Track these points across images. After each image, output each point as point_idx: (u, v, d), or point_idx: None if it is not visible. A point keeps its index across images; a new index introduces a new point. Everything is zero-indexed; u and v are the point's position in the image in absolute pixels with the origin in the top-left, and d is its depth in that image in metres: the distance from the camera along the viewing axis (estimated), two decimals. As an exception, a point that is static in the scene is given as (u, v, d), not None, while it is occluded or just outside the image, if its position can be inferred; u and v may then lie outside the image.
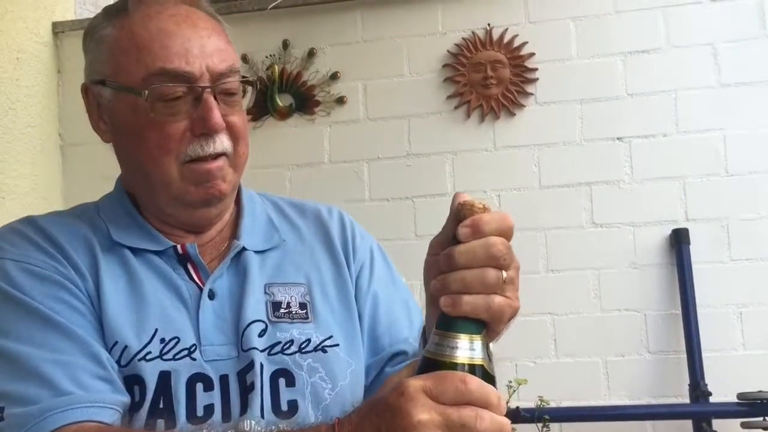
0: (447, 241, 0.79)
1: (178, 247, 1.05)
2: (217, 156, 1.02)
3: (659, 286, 2.60)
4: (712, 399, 2.41)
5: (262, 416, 0.97)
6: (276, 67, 2.84)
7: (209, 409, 0.97)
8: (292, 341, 1.03)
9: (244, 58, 2.85)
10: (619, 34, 2.68)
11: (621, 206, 2.63)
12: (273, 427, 0.86)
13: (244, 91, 1.08)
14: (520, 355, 2.62)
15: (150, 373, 0.96)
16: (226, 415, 0.97)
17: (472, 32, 2.75)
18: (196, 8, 1.06)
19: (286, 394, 1.00)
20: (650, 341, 2.59)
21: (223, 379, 0.99)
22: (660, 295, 2.60)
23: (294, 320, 1.05)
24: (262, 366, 0.99)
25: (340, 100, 2.82)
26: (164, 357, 0.97)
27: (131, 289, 1.01)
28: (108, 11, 1.07)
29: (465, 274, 0.76)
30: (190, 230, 1.09)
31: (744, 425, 2.36)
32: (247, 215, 1.13)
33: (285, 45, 2.85)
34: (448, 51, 2.77)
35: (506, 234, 0.77)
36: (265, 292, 1.06)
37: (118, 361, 0.96)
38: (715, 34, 2.62)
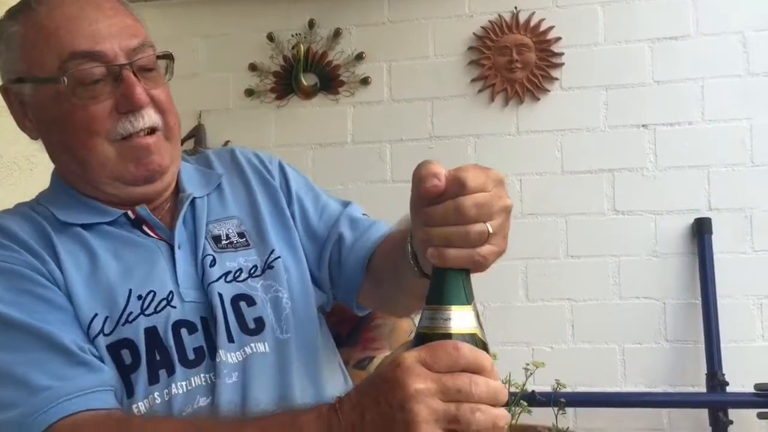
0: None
1: (129, 212, 1.07)
2: (150, 131, 1.04)
3: (679, 275, 2.59)
4: (729, 389, 2.41)
5: (231, 339, 1.02)
6: (301, 46, 2.84)
7: (199, 351, 1.01)
8: (240, 269, 1.08)
9: (270, 37, 2.86)
10: (648, 20, 2.65)
11: (643, 194, 2.62)
12: (273, 411, 0.88)
13: (167, 68, 1.09)
14: (538, 340, 2.63)
15: (137, 332, 0.98)
16: (212, 355, 1.01)
17: (499, 15, 2.74)
18: None
19: (250, 314, 1.05)
20: (668, 330, 2.58)
21: (204, 321, 1.03)
22: (680, 284, 2.59)
23: (237, 248, 1.11)
24: (221, 295, 1.04)
25: (365, 81, 2.82)
26: (146, 312, 1.00)
27: (93, 261, 1.03)
28: (11, 11, 1.07)
29: (446, 231, 0.78)
30: (139, 202, 1.09)
31: (761, 416, 2.35)
32: (183, 171, 1.16)
33: (311, 24, 2.86)
34: (473, 33, 2.76)
35: (485, 187, 0.80)
36: (206, 230, 1.11)
37: (102, 330, 0.98)
38: (744, 23, 2.58)
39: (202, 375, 1.00)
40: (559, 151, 2.68)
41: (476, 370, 0.74)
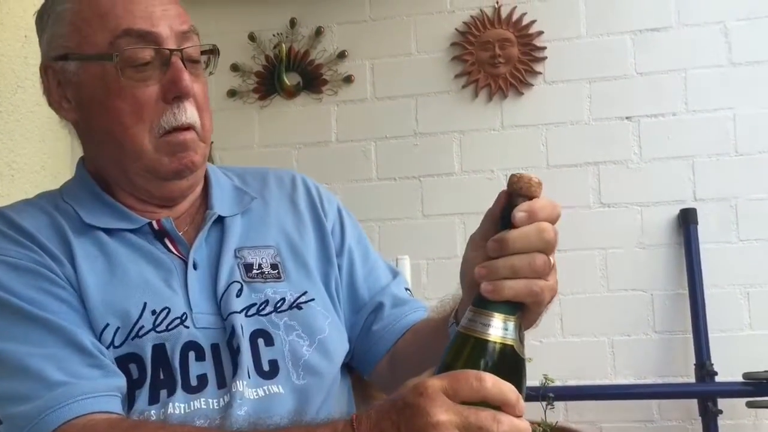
0: (491, 231, 0.79)
1: (154, 222, 1.05)
2: (188, 127, 1.02)
3: (666, 266, 2.60)
4: (717, 379, 2.42)
5: (248, 376, 0.99)
6: (283, 45, 2.83)
7: (202, 378, 0.98)
8: (267, 301, 1.04)
9: (251, 37, 2.84)
10: (629, 12, 2.65)
11: (629, 186, 2.62)
12: (288, 423, 0.87)
13: (207, 63, 1.08)
14: (527, 334, 2.63)
15: (145, 348, 0.96)
16: (221, 384, 0.98)
17: (481, 10, 2.73)
18: None
19: (266, 354, 1.01)
20: (657, 321, 2.59)
21: (215, 348, 1.00)
22: (667, 275, 2.60)
23: (267, 280, 1.06)
24: (242, 327, 1.01)
25: (348, 79, 2.81)
26: (158, 329, 0.98)
27: (111, 268, 1.01)
28: None
29: (514, 260, 0.76)
30: (162, 204, 1.08)
31: (749, 404, 2.37)
32: (215, 185, 1.14)
33: (292, 23, 2.84)
34: (456, 29, 2.75)
35: (555, 220, 0.79)
36: (236, 256, 1.07)
37: (112, 342, 0.96)
38: (726, 12, 2.59)
39: (203, 399, 0.97)
40: (544, 145, 2.68)
41: (499, 402, 0.72)
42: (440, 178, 2.72)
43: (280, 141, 2.82)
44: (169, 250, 1.05)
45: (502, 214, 0.79)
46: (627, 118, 2.64)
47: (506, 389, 0.73)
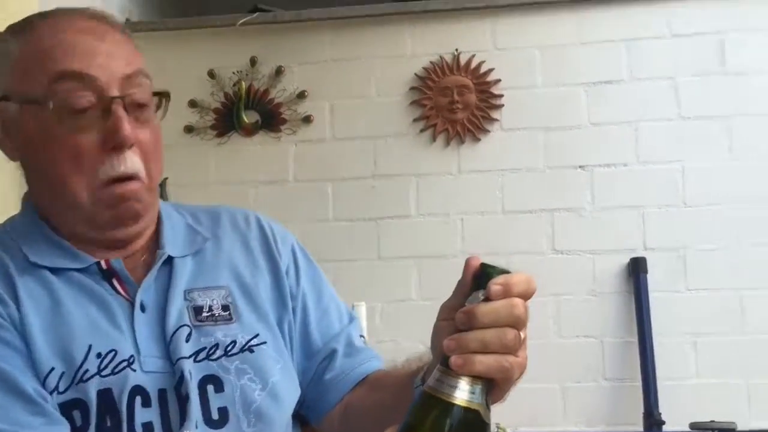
0: (461, 301, 0.78)
1: (102, 262, 1.01)
2: (129, 177, 0.98)
3: (617, 314, 2.63)
4: (665, 428, 2.44)
5: (196, 426, 0.94)
6: (243, 83, 2.83)
7: (147, 426, 0.94)
8: (217, 345, 1.00)
9: (211, 74, 2.83)
10: (583, 64, 2.72)
11: (582, 234, 2.66)
12: None
13: (158, 106, 1.03)
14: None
15: (89, 393, 0.92)
16: (166, 430, 0.94)
17: (440, 56, 2.78)
18: (105, 23, 1.02)
19: (215, 401, 0.97)
20: (607, 368, 2.61)
21: (161, 394, 0.96)
22: (617, 323, 2.63)
23: (218, 322, 1.02)
24: (190, 374, 0.97)
25: (307, 119, 2.81)
26: (102, 373, 0.93)
27: (56, 309, 0.96)
28: (12, 28, 1.02)
29: (485, 334, 0.75)
30: (111, 246, 1.04)
31: (696, 454, 2.39)
32: (167, 224, 1.09)
33: (253, 62, 2.84)
34: (415, 74, 2.79)
35: (530, 296, 0.78)
36: (185, 298, 1.03)
37: (56, 387, 0.92)
38: (675, 68, 2.68)
39: None
40: (500, 191, 2.71)
41: None
42: (397, 221, 2.72)
43: (236, 179, 2.80)
44: (117, 291, 1.01)
45: (475, 285, 0.78)
46: (580, 167, 2.69)
47: None
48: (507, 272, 0.78)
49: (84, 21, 1.00)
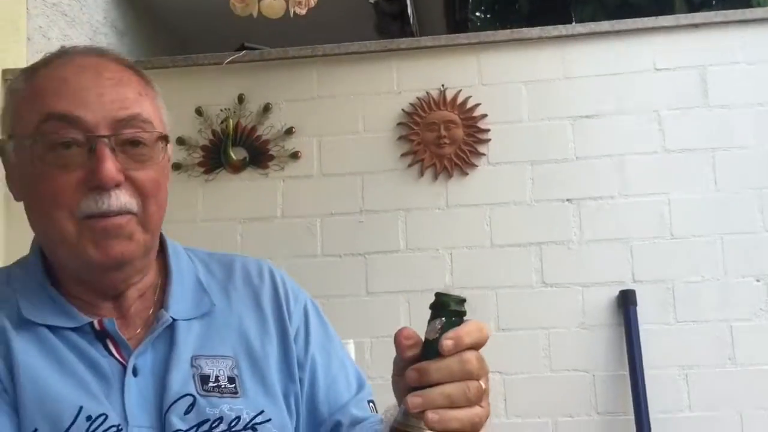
0: (412, 359, 0.78)
1: (95, 322, 0.97)
2: (117, 213, 0.94)
3: (607, 347, 2.63)
4: (659, 461, 2.42)
5: None
6: (231, 120, 2.84)
7: None
8: (221, 418, 0.96)
9: (198, 111, 2.84)
10: (569, 98, 2.75)
11: (570, 267, 2.67)
12: None
13: (164, 147, 1.01)
14: None
15: None
16: None
17: (427, 92, 2.80)
18: (107, 59, 1.01)
19: None
20: (598, 402, 2.59)
21: None
22: (608, 356, 2.62)
23: (224, 395, 0.98)
24: None
25: (294, 155, 2.82)
26: None
27: (48, 367, 0.94)
28: (26, 69, 1.04)
29: (449, 389, 0.75)
30: (105, 296, 1.01)
31: (691, 488, 2.36)
32: (176, 278, 1.05)
33: (240, 99, 2.86)
34: (402, 110, 2.81)
35: (483, 344, 0.78)
36: (192, 365, 0.99)
37: None
38: (659, 102, 2.71)
39: None
40: (488, 225, 2.72)
41: None
42: (385, 256, 2.72)
43: (224, 215, 2.79)
44: (110, 353, 0.97)
45: (432, 314, 0.78)
46: (567, 200, 2.71)
47: None
48: (462, 300, 0.78)
49: (85, 58, 1.00)
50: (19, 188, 1.01)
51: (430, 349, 0.77)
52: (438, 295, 0.78)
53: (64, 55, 1.01)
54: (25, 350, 0.94)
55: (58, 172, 0.94)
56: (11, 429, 0.89)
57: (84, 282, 1.00)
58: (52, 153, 0.94)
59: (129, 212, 0.95)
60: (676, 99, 2.71)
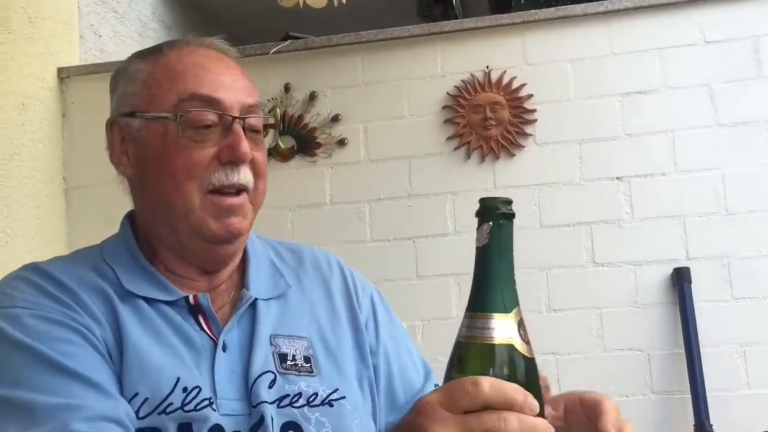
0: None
1: (191, 297, 1.04)
2: (239, 191, 1.04)
3: (662, 326, 2.59)
4: (717, 439, 2.39)
5: None
6: (278, 110, 2.87)
7: None
8: (300, 394, 1.01)
9: (247, 102, 2.88)
10: (616, 75, 2.71)
11: (622, 246, 2.64)
12: None
13: (265, 134, 1.12)
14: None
15: (168, 426, 0.93)
16: None
17: (471, 74, 2.79)
18: (223, 51, 1.12)
19: None
20: (654, 381, 2.57)
21: None
22: (663, 335, 2.59)
23: (301, 373, 1.04)
24: (272, 419, 0.98)
25: (341, 142, 2.85)
26: (186, 408, 0.95)
27: (146, 337, 0.99)
28: (141, 53, 1.12)
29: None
30: (203, 270, 1.08)
31: (751, 466, 2.33)
32: (253, 261, 1.13)
33: (287, 88, 2.89)
34: (447, 93, 2.80)
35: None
36: (271, 344, 1.05)
37: (137, 413, 0.94)
38: (710, 75, 2.65)
39: None
40: (537, 205, 2.71)
41: (502, 404, 0.69)
42: (434, 239, 2.73)
43: (275, 203, 2.84)
44: (202, 328, 1.03)
45: (480, 220, 0.77)
46: (617, 178, 2.67)
47: (508, 389, 0.70)
48: (509, 201, 0.77)
49: (209, 49, 1.10)
50: (135, 163, 1.08)
51: (482, 256, 0.75)
52: (483, 200, 0.77)
53: (184, 44, 1.10)
54: (130, 320, 1.00)
55: (195, 146, 1.02)
56: (112, 384, 0.94)
57: (184, 257, 1.07)
58: (192, 130, 1.02)
59: (247, 189, 1.05)
60: (728, 71, 2.64)
